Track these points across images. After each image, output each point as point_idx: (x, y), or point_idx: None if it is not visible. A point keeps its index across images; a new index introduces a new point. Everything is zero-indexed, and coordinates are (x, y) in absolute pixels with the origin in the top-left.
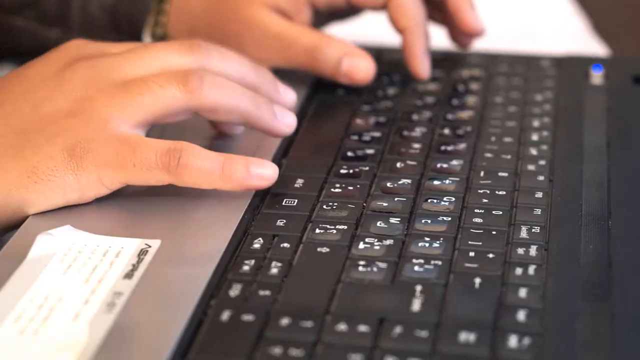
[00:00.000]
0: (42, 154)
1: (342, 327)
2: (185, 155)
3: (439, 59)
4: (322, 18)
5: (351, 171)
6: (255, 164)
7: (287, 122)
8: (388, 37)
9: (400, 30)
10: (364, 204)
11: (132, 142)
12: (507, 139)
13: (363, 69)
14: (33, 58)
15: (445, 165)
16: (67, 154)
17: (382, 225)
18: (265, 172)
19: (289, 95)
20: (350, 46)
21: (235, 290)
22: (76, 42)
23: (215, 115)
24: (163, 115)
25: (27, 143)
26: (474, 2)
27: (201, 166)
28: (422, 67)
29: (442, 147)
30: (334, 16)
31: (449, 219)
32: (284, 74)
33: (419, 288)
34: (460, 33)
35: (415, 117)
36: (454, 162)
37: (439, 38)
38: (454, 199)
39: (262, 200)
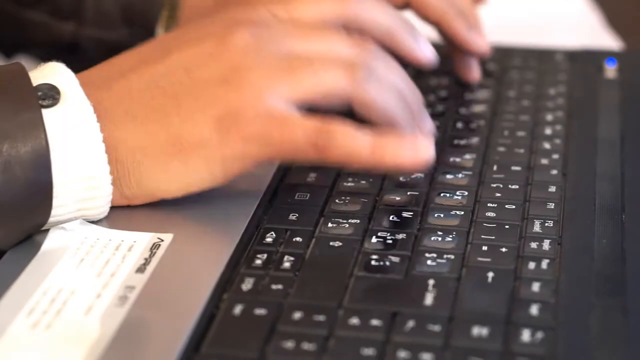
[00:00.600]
0: (191, 123)
1: (354, 321)
2: (334, 136)
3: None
4: None
5: None
6: (409, 144)
7: (426, 151)
8: None
9: (434, 23)
10: (377, 198)
11: (281, 117)
12: (520, 133)
13: None
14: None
15: (458, 159)
16: (215, 124)
17: (395, 219)
18: (419, 151)
19: (430, 123)
20: None
21: (247, 284)
22: (256, 7)
23: (368, 111)
24: (321, 98)
25: (176, 109)
26: (478, 20)
27: (349, 146)
28: (476, 43)
29: (455, 141)
30: None
31: (462, 213)
32: None
33: (431, 282)
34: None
35: (428, 111)
36: (467, 156)
37: None
38: (466, 193)
39: (275, 194)
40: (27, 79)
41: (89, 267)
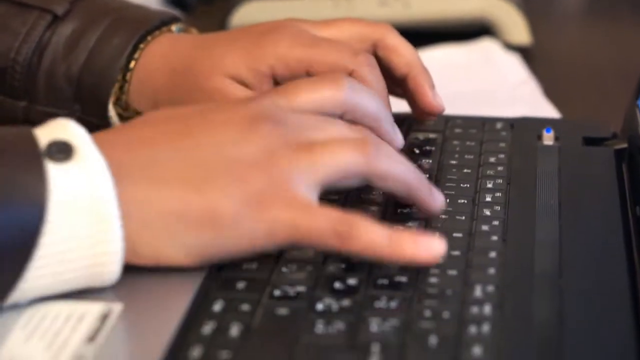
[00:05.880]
0: (225, 196)
1: None
2: (356, 227)
3: (395, 121)
4: None
5: None
6: (423, 239)
7: (440, 200)
8: None
9: (402, 74)
10: (323, 265)
11: (309, 208)
12: (462, 201)
13: None
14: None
15: (401, 227)
16: (246, 202)
17: (340, 286)
18: (433, 247)
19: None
20: None
21: (196, 351)
22: (262, 99)
23: (384, 182)
24: (340, 178)
25: (210, 181)
26: (432, 79)
27: (370, 239)
28: (437, 102)
29: (399, 210)
30: None
31: (405, 279)
32: None
33: (377, 347)
34: (420, 111)
35: None
36: (410, 224)
37: (396, 102)
38: None
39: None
40: (31, 139)
41: (39, 339)
